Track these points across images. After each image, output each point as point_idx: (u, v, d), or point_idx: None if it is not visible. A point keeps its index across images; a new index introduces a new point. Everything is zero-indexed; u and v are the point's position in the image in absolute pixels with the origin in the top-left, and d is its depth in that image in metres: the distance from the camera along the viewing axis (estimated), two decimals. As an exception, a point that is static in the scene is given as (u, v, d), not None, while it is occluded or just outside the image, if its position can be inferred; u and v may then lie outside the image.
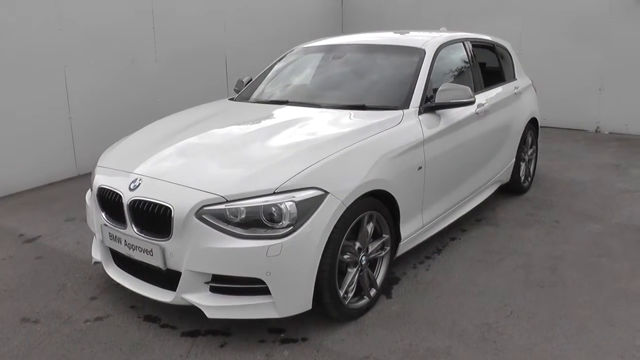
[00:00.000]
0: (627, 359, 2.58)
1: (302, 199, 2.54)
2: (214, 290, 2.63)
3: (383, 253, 3.09)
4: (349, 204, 2.69)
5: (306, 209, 2.54)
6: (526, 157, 5.05)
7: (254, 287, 2.57)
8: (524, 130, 4.86)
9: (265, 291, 2.56)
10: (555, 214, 4.56)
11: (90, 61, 5.88)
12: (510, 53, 5.08)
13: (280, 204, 2.52)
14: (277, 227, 2.52)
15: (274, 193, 2.54)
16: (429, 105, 3.47)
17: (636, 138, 7.35)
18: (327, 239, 2.60)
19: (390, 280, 3.36)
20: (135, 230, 2.74)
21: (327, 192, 2.61)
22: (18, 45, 5.22)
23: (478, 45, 4.51)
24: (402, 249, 3.28)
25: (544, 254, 3.78)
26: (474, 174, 4.03)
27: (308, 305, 2.65)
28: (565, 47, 7.75)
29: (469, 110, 3.82)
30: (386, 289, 3.24)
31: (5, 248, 4.05)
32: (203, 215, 2.54)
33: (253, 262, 2.50)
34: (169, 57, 6.79)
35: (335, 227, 2.63)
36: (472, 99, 3.47)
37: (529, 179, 5.20)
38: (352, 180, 2.74)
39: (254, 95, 4.12)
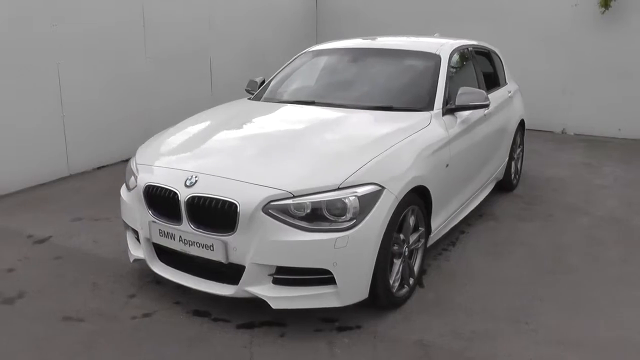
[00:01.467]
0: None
1: (363, 194, 2.70)
2: (276, 282, 2.74)
3: (419, 245, 3.29)
4: (401, 198, 2.87)
5: (366, 203, 2.70)
6: (515, 156, 5.42)
7: (318, 277, 2.70)
8: (515, 131, 5.22)
9: (328, 281, 2.70)
10: (546, 208, 4.93)
11: (85, 58, 5.76)
12: (501, 59, 5.43)
13: (345, 198, 2.66)
14: (340, 220, 2.66)
15: (338, 188, 2.69)
16: (449, 108, 3.71)
17: (600, 139, 7.94)
18: (384, 232, 2.77)
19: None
20: (191, 226, 2.80)
21: (383, 188, 2.78)
22: (9, 43, 5.05)
23: (478, 51, 4.81)
24: (430, 241, 3.50)
25: (547, 245, 4.10)
26: (481, 172, 4.31)
27: (365, 294, 2.81)
28: (533, 52, 8.24)
29: (479, 112, 4.10)
30: (418, 279, 3.44)
31: (17, 249, 3.95)
32: (270, 210, 2.65)
33: (321, 253, 2.63)
34: (161, 57, 6.72)
35: (390, 220, 2.81)
36: (488, 102, 3.75)
37: (517, 176, 5.57)
38: (402, 177, 2.93)
39: (277, 96, 4.23)
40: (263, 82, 4.60)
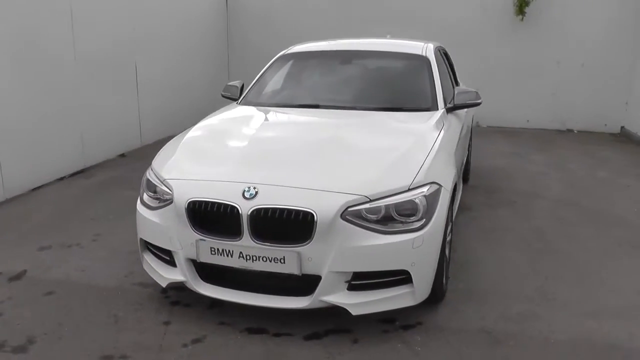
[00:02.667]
0: (653, 295, 3.34)
1: (429, 193, 2.77)
2: (351, 288, 2.70)
3: (450, 237, 3.44)
4: (450, 194, 2.99)
5: (431, 202, 2.77)
6: (469, 150, 5.83)
7: (393, 279, 2.71)
8: (471, 126, 5.62)
9: (403, 282, 2.73)
10: (506, 196, 5.38)
11: (11, 64, 5.06)
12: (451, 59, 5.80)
13: (415, 198, 2.71)
14: (411, 220, 2.70)
15: (408, 189, 2.72)
16: (450, 107, 3.91)
17: (510, 129, 8.80)
18: (444, 227, 2.86)
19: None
20: (254, 240, 2.65)
21: (441, 186, 2.87)
22: None
23: (443, 52, 5.10)
24: (448, 233, 3.67)
25: (527, 229, 4.49)
26: (463, 165, 4.60)
27: (429, 290, 2.88)
28: (450, 54, 8.86)
29: (464, 110, 4.36)
30: (445, 271, 3.59)
31: (-8, 289, 3.41)
32: (347, 216, 2.60)
33: (400, 255, 2.65)
34: (88, 59, 6.13)
35: (446, 215, 2.91)
36: (481, 100, 4.01)
37: (469, 168, 6.00)
38: (449, 173, 3.05)
39: (275, 100, 4.13)
40: (243, 86, 4.45)
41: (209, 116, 3.94)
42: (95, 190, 5.51)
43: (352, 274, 2.67)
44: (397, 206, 2.68)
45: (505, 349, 2.76)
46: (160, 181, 3.00)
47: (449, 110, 3.90)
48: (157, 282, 3.28)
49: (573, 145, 7.76)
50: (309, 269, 2.64)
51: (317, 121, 3.60)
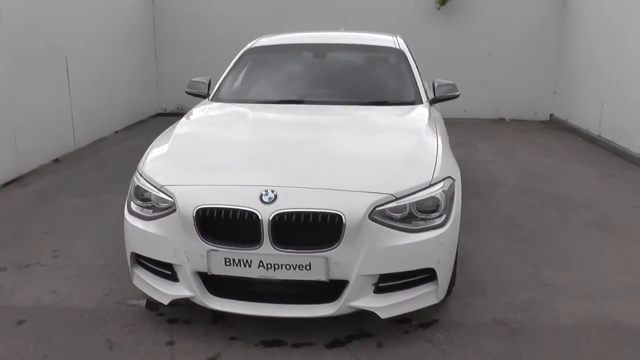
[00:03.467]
0: (620, 264, 3.54)
1: (447, 188, 2.72)
2: (377, 291, 2.59)
3: None
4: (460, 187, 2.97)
5: (449, 196, 2.73)
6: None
7: (418, 278, 2.65)
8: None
9: (427, 280, 2.67)
10: (468, 185, 5.45)
11: None
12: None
13: (437, 194, 2.65)
14: (432, 217, 2.64)
15: (429, 186, 2.66)
16: (432, 99, 3.91)
17: (449, 120, 8.93)
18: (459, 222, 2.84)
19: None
20: (275, 247, 2.47)
21: (454, 179, 2.84)
22: None
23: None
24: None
25: (499, 217, 4.62)
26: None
27: (447, 287, 2.84)
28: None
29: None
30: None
31: (-53, 321, 2.94)
32: (374, 216, 2.49)
33: (427, 253, 2.58)
34: (17, 56, 5.50)
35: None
36: (459, 93, 4.04)
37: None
38: (456, 166, 3.03)
39: (252, 96, 3.90)
40: (210, 82, 4.18)
41: (187, 115, 3.64)
42: (38, 200, 4.97)
43: (378, 276, 2.57)
44: (419, 203, 2.61)
45: (524, 338, 2.80)
46: (157, 188, 2.71)
47: (431, 103, 3.90)
48: (145, 299, 3.06)
49: (512, 133, 8.15)
50: (337, 274, 2.50)
51: (313, 118, 3.44)
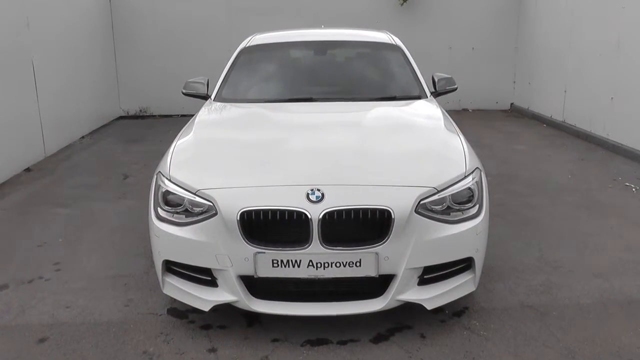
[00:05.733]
0: (616, 241, 3.78)
1: (478, 179, 2.81)
2: (421, 283, 2.64)
3: None
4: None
5: (480, 187, 2.82)
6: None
7: (457, 268, 2.72)
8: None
9: (464, 269, 2.74)
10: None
11: None
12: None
13: (471, 185, 2.73)
14: (466, 207, 2.71)
15: (464, 177, 2.73)
16: (433, 92, 4.00)
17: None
18: None
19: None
20: (325, 246, 2.47)
21: (481, 170, 2.93)
22: None
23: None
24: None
25: (493, 205, 4.48)
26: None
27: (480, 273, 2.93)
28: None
29: None
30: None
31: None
32: (419, 210, 2.54)
33: (467, 243, 2.66)
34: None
35: None
36: (457, 86, 4.15)
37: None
38: (476, 156, 3.11)
39: (254, 96, 3.84)
40: (208, 82, 4.09)
41: (199, 117, 3.53)
42: (19, 212, 4.70)
43: (422, 268, 2.61)
44: (455, 195, 2.68)
45: (553, 319, 2.93)
46: (192, 193, 2.64)
47: (434, 96, 3.99)
48: (170, 307, 3.04)
49: (478, 123, 8.42)
50: (385, 269, 2.53)
51: (335, 116, 3.44)
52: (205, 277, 2.66)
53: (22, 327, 2.92)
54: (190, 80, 4.13)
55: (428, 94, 3.90)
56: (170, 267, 2.77)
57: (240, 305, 2.62)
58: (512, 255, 3.71)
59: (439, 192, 2.61)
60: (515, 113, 9.21)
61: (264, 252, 2.49)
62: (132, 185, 5.46)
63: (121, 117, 9.11)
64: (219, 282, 2.63)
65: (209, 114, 3.59)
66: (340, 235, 2.48)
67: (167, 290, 2.82)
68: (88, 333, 2.86)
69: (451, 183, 2.67)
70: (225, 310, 2.81)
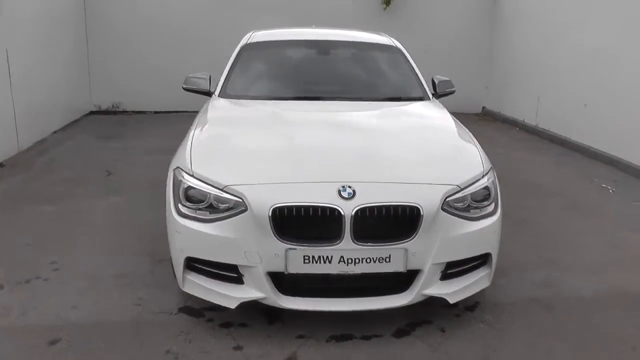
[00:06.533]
0: (603, 239, 3.98)
1: (492, 178, 2.90)
2: (443, 277, 2.70)
3: None
4: None
5: (495, 185, 2.91)
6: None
7: (475, 264, 2.80)
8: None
9: (481, 265, 2.83)
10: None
11: None
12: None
13: (488, 184, 2.82)
14: (484, 205, 2.80)
15: (483, 176, 2.82)
16: (433, 94, 4.09)
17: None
18: None
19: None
20: (356, 242, 2.49)
21: (493, 169, 3.03)
22: None
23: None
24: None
25: None
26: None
27: None
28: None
29: None
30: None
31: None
32: (445, 207, 2.60)
33: (487, 239, 2.76)
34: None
35: None
36: (455, 88, 4.26)
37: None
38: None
39: (260, 93, 3.82)
40: (210, 78, 4.04)
41: (209, 112, 3.46)
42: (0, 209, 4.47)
43: (445, 264, 2.68)
44: (474, 193, 2.76)
45: (560, 312, 3.05)
46: (219, 189, 2.60)
47: (435, 98, 4.08)
48: (184, 305, 3.00)
49: (453, 126, 8.63)
50: (413, 264, 2.58)
51: (351, 115, 3.46)
52: (231, 273, 2.63)
53: (28, 329, 2.80)
54: (191, 75, 4.05)
55: (430, 95, 3.98)
56: (192, 264, 2.72)
57: (268, 302, 2.61)
58: (512, 253, 3.83)
59: (461, 190, 2.68)
60: (487, 117, 9.50)
61: (295, 249, 2.49)
62: (117, 182, 5.30)
63: (92, 113, 8.79)
64: (245, 279, 2.61)
65: (220, 110, 3.53)
66: (369, 231, 2.51)
67: (188, 288, 2.77)
68: (102, 333, 2.77)
69: (472, 182, 2.75)
70: (243, 308, 2.78)
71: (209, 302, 2.84)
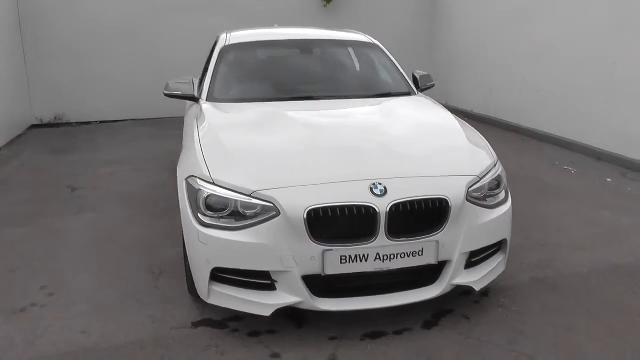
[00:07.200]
0: (582, 218, 4.25)
1: (501, 166, 3.01)
2: (467, 266, 2.77)
3: None
4: None
5: (504, 173, 3.03)
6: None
7: (493, 251, 2.91)
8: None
9: (497, 252, 2.94)
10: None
11: None
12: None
13: (500, 172, 2.93)
14: (496, 193, 2.90)
15: (494, 165, 2.92)
16: (420, 89, 4.18)
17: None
18: None
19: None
20: (390, 238, 2.51)
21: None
22: None
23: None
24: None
25: None
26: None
27: None
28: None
29: None
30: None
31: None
32: (468, 197, 2.67)
33: (503, 226, 2.87)
34: None
35: None
36: (434, 82, 4.38)
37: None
38: (488, 148, 3.33)
39: (248, 95, 3.76)
40: (193, 83, 3.92)
41: (208, 118, 3.32)
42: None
43: (469, 253, 2.75)
44: (490, 183, 2.86)
45: (565, 290, 3.22)
46: (247, 195, 2.53)
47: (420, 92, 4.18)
48: (202, 318, 2.92)
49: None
50: (443, 256, 2.63)
51: (351, 112, 3.46)
52: (263, 281, 2.57)
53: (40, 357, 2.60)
54: (172, 81, 3.90)
55: (415, 90, 4.07)
56: (217, 274, 2.64)
57: (304, 306, 2.57)
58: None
59: (480, 179, 2.77)
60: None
61: (332, 250, 2.47)
62: (85, 197, 5.01)
63: (34, 126, 8.23)
64: (278, 284, 2.56)
65: (218, 114, 3.41)
66: (401, 226, 2.54)
67: (214, 300, 2.68)
68: (124, 356, 2.63)
69: (487, 171, 2.85)
70: (265, 316, 2.71)
71: (229, 312, 2.79)
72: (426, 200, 2.55)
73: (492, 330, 2.80)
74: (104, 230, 4.20)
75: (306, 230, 2.45)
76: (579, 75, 6.36)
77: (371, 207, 2.47)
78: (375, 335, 2.74)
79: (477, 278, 2.79)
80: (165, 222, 4.32)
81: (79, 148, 6.98)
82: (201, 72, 5.45)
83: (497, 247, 2.94)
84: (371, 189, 2.51)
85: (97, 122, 8.56)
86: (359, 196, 2.49)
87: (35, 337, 2.79)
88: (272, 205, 2.49)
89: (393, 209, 2.49)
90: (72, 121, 8.43)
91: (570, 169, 5.78)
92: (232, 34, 4.32)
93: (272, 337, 2.74)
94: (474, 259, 2.79)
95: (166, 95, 3.87)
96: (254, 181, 2.57)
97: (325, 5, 9.27)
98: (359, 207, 2.47)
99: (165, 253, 3.75)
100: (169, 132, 7.82)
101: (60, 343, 2.74)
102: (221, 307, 2.76)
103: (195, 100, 3.81)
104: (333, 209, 2.46)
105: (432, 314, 2.93)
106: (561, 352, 2.63)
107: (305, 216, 2.44)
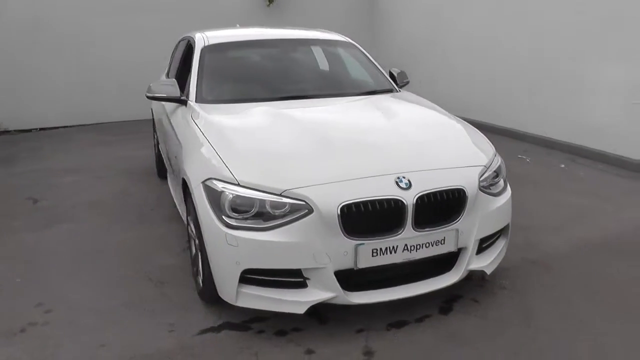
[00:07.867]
0: (551, 201, 4.59)
1: (499, 156, 3.21)
2: (478, 252, 2.93)
3: None
4: None
5: (503, 163, 3.23)
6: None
7: (498, 236, 3.09)
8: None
9: (500, 237, 3.12)
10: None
11: None
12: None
13: (500, 162, 3.12)
14: (497, 181, 3.08)
15: (495, 155, 3.11)
16: (398, 86, 4.33)
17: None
18: None
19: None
20: (416, 229, 2.62)
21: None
22: None
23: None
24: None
25: None
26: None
27: None
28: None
29: None
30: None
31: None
32: (479, 186, 2.83)
33: (507, 212, 3.07)
34: None
35: None
36: (409, 79, 4.54)
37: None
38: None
39: (239, 95, 3.74)
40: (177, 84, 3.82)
41: (208, 119, 3.25)
42: None
43: (480, 239, 2.91)
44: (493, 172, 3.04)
45: (558, 269, 3.45)
46: (276, 194, 2.53)
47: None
48: (222, 322, 2.90)
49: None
50: (461, 243, 2.77)
51: (349, 110, 3.52)
52: (294, 279, 2.59)
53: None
54: (155, 82, 3.78)
55: (396, 87, 4.20)
56: (245, 276, 2.62)
57: (337, 301, 2.62)
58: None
59: (487, 169, 2.94)
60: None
61: (364, 244, 2.54)
62: (51, 209, 4.74)
63: (-29, 136, 7.63)
64: (309, 281, 2.59)
65: (219, 115, 3.33)
66: (425, 217, 2.65)
67: (243, 302, 2.66)
68: (157, 368, 2.55)
69: (491, 161, 3.03)
70: (281, 315, 2.75)
71: (248, 314, 2.82)
72: (447, 191, 2.68)
73: (504, 311, 2.98)
74: (86, 241, 4.01)
75: (339, 225, 2.50)
76: (516, 66, 6.81)
77: (399, 200, 2.56)
78: (399, 325, 2.84)
79: (487, 262, 2.96)
80: (145, 229, 4.20)
81: (25, 157, 6.57)
82: (164, 74, 5.33)
83: (502, 234, 3.13)
84: (396, 183, 2.60)
85: (37, 129, 8.07)
86: (387, 190, 2.57)
87: (45, 356, 2.64)
88: (303, 203, 2.52)
89: (419, 200, 2.59)
90: (10, 129, 7.89)
91: (525, 157, 6.18)
92: (207, 33, 4.24)
93: (301, 335, 2.76)
94: (484, 244, 2.96)
95: (149, 97, 3.75)
96: (282, 180, 2.58)
97: (268, 5, 9.28)
98: (388, 201, 2.55)
99: (159, 260, 3.65)
100: (119, 138, 7.52)
101: (83, 359, 2.61)
102: (237, 310, 2.78)
103: (182, 102, 3.72)
104: (365, 203, 2.53)
105: (444, 300, 3.05)
106: (570, 321, 2.85)
107: (339, 212, 2.49)
